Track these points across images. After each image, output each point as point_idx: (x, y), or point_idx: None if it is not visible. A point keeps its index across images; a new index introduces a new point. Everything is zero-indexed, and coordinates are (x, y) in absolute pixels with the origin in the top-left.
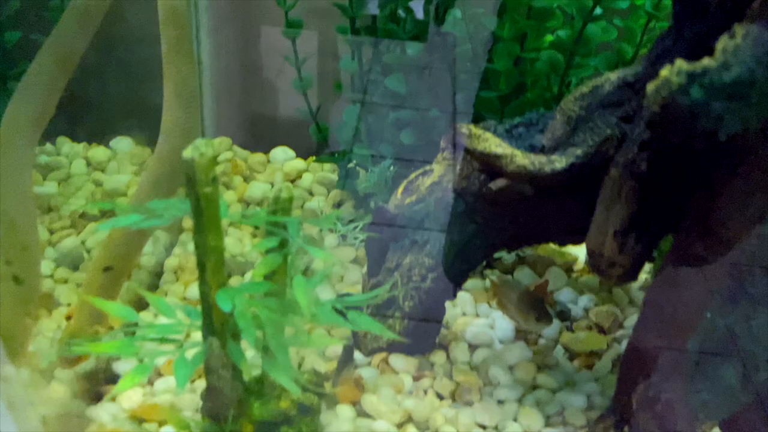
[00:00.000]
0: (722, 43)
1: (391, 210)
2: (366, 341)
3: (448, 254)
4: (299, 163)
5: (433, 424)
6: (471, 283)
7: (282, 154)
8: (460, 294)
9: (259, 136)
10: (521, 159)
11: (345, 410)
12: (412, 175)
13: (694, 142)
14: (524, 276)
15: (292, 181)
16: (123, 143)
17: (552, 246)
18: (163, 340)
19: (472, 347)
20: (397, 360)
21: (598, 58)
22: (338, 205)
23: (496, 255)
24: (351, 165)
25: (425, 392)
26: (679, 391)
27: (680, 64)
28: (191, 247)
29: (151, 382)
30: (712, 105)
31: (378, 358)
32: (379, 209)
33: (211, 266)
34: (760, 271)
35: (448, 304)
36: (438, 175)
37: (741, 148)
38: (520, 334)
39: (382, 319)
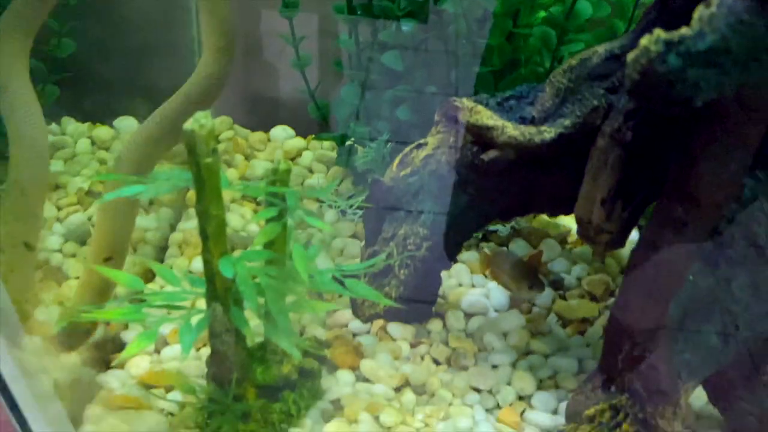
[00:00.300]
0: (698, 11)
1: (386, 182)
2: (363, 308)
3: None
4: (299, 142)
5: (430, 388)
6: (467, 255)
7: (282, 132)
8: (457, 265)
9: (259, 115)
10: (512, 130)
11: (345, 375)
12: (407, 149)
13: (673, 109)
14: (519, 248)
15: (292, 159)
16: (126, 123)
17: (546, 218)
18: (168, 307)
19: (468, 315)
20: (395, 328)
21: (591, 34)
22: (338, 182)
23: (492, 228)
24: (349, 142)
25: (422, 358)
26: (663, 351)
27: (658, 32)
28: (195, 222)
29: (158, 350)
30: (689, 72)
31: (376, 326)
32: (376, 182)
33: (213, 235)
34: (739, 234)
35: (444, 274)
36: (432, 148)
37: (717, 114)
38: (514, 303)
39: (379, 287)
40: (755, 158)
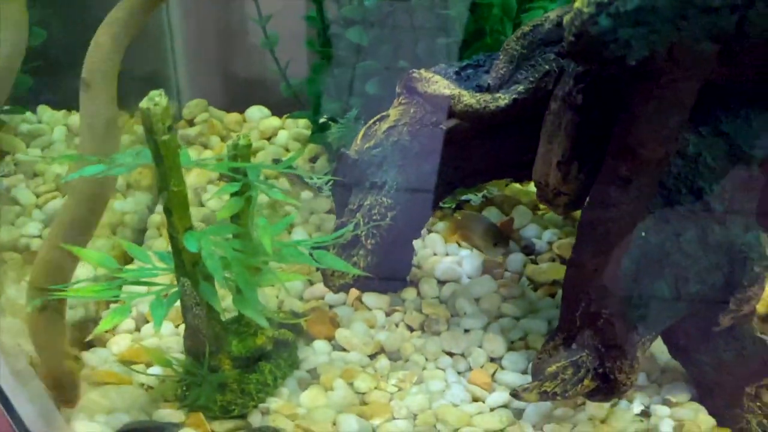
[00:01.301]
0: None
1: (352, 155)
2: (333, 279)
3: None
4: (275, 121)
5: (404, 353)
6: (441, 225)
7: (257, 112)
8: (431, 235)
9: (235, 96)
10: (468, 98)
11: (321, 345)
12: (371, 121)
13: (608, 68)
14: (492, 215)
15: (268, 139)
16: None
17: (518, 186)
18: (140, 284)
19: (441, 283)
20: (370, 298)
21: (554, 1)
22: (313, 159)
23: (465, 197)
24: (323, 119)
25: (396, 325)
26: (617, 307)
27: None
28: None
29: (138, 329)
30: (620, 32)
31: (352, 296)
32: (342, 155)
33: (176, 210)
34: (685, 189)
35: (419, 244)
36: (394, 120)
37: (652, 72)
38: (486, 270)
39: (348, 257)
40: (698, 115)
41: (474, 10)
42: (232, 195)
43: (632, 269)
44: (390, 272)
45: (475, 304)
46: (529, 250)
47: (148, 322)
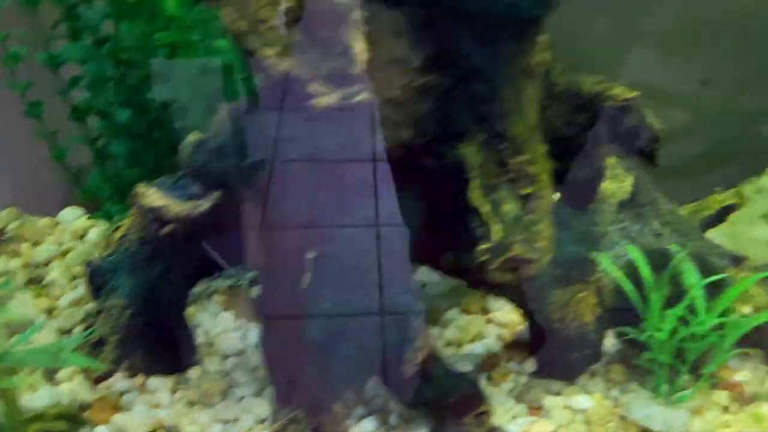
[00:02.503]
0: (217, 115)
1: (96, 263)
2: (92, 374)
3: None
4: (87, 222)
5: (181, 428)
6: (233, 301)
7: (70, 213)
8: (222, 313)
9: (50, 199)
10: (174, 207)
11: (101, 430)
12: (108, 231)
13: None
14: None
15: (81, 237)
16: None
17: None
18: None
19: (226, 357)
20: (155, 381)
21: None
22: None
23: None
24: (115, 218)
25: (178, 403)
26: (313, 371)
27: (190, 138)
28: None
29: None
30: (214, 164)
31: (138, 381)
32: (88, 264)
33: None
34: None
35: (211, 323)
36: (126, 229)
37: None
38: None
39: (98, 353)
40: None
41: None
42: None
43: (312, 339)
44: (171, 357)
45: (251, 373)
46: None
47: None
